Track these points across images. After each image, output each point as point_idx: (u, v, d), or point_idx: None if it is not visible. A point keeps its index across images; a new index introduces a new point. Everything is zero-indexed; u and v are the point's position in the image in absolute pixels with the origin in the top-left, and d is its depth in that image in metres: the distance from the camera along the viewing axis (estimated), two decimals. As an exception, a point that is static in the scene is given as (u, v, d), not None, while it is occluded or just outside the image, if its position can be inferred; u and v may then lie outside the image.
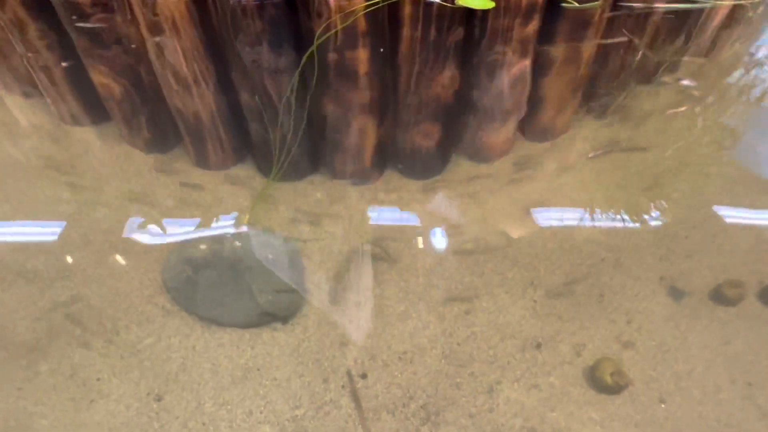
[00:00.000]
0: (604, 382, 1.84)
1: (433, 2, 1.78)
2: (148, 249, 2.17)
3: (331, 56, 1.90)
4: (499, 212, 2.32)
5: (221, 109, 2.21)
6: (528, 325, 2.01)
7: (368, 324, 2.00)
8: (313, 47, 1.87)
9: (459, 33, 1.92)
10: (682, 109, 2.59)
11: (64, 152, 2.49)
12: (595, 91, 2.48)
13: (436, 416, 1.80)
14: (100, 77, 2.19)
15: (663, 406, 1.83)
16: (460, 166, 2.46)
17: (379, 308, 2.04)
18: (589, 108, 2.57)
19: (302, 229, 2.25)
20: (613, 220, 2.29)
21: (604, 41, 2.20)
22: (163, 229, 2.24)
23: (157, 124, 2.38)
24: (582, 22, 2.04)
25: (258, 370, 1.89)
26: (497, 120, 2.27)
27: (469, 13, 1.90)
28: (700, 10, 2.35)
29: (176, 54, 1.97)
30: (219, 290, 2.02)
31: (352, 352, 1.93)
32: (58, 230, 2.22)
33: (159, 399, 1.83)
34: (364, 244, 2.21)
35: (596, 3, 1.96)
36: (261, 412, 1.81)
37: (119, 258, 2.15)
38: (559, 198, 2.36)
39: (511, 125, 2.35)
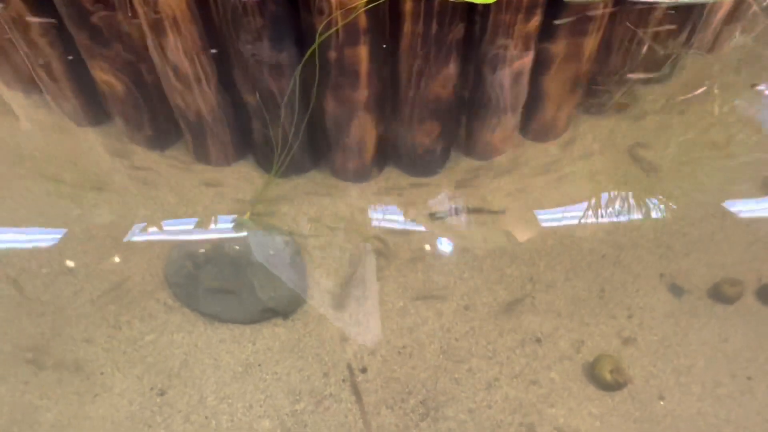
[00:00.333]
0: (603, 379, 1.85)
1: (433, -2, 1.78)
2: (150, 245, 2.19)
3: (332, 53, 1.90)
4: (499, 208, 2.32)
5: (222, 107, 2.22)
6: (527, 321, 2.01)
7: (369, 319, 2.01)
8: (315, 45, 1.87)
9: (460, 29, 1.92)
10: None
11: (65, 149, 2.51)
12: (597, 87, 2.47)
13: (435, 412, 1.81)
14: (102, 74, 2.20)
15: (662, 403, 1.83)
16: (460, 164, 2.46)
17: (378, 303, 2.05)
18: (590, 104, 2.56)
19: (303, 226, 2.26)
20: (614, 217, 2.29)
21: (605, 36, 2.20)
22: (164, 226, 2.26)
23: (159, 121, 2.39)
24: (584, 16, 2.04)
25: (259, 365, 1.91)
26: (497, 117, 2.27)
27: (470, 8, 1.90)
28: (703, 5, 2.34)
29: (177, 51, 1.98)
30: (220, 286, 2.04)
31: (352, 346, 1.95)
32: (61, 227, 2.24)
33: (162, 393, 1.85)
34: (365, 240, 2.22)
35: (598, -2, 1.95)
36: (261, 406, 1.83)
37: (121, 254, 2.17)
38: (560, 195, 2.36)
39: (511, 122, 2.34)
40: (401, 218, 2.30)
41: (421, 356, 1.93)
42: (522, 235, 2.24)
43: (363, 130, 2.19)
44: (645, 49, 2.34)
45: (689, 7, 2.30)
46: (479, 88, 2.17)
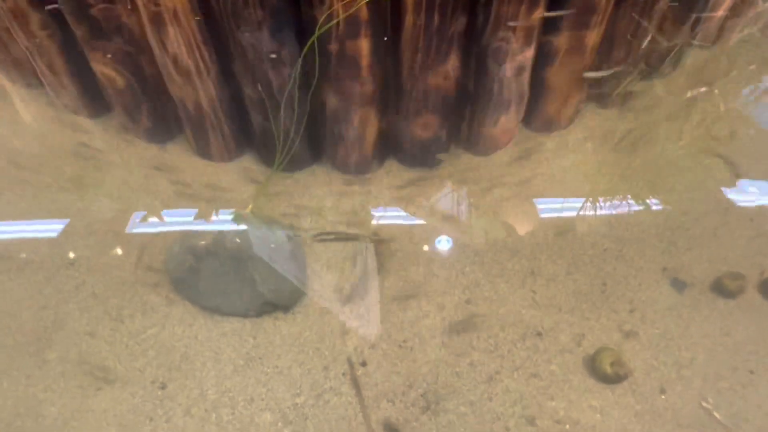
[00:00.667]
0: (604, 371, 1.85)
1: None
2: (151, 238, 2.19)
3: (333, 45, 1.89)
4: (500, 202, 2.31)
5: (223, 100, 2.21)
6: (528, 314, 2.01)
7: (369, 313, 2.01)
8: (315, 36, 1.86)
9: (462, 21, 1.90)
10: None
11: (65, 142, 2.50)
12: (600, 80, 2.45)
13: (436, 405, 1.82)
14: (102, 67, 2.19)
15: (663, 396, 1.83)
16: (461, 158, 2.45)
17: (379, 297, 2.05)
18: (594, 97, 2.54)
19: (304, 220, 2.26)
20: (616, 211, 2.28)
21: (608, 28, 2.17)
22: (165, 219, 2.26)
23: (159, 115, 2.38)
24: (588, 8, 2.01)
25: (260, 358, 1.92)
26: (499, 110, 2.25)
27: (473, 0, 1.88)
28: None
29: (177, 44, 1.97)
30: (221, 280, 2.04)
31: (352, 340, 1.95)
32: (63, 220, 2.24)
33: (163, 387, 1.86)
34: (366, 234, 2.21)
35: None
36: (262, 400, 1.83)
37: (123, 247, 2.17)
38: (562, 189, 2.35)
39: (513, 116, 2.33)
40: (402, 212, 2.29)
41: (422, 350, 1.93)
42: (522, 228, 2.23)
43: (364, 123, 2.18)
44: (648, 41, 2.31)
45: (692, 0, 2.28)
46: (481, 81, 2.16)
